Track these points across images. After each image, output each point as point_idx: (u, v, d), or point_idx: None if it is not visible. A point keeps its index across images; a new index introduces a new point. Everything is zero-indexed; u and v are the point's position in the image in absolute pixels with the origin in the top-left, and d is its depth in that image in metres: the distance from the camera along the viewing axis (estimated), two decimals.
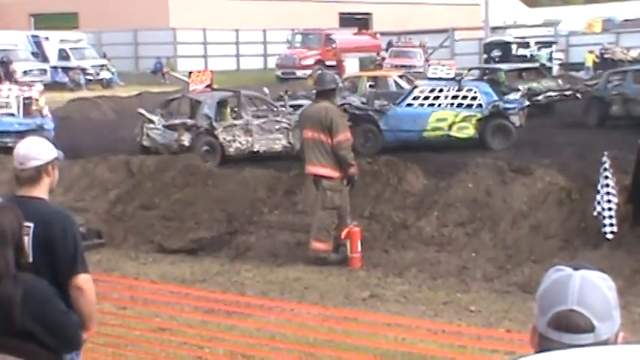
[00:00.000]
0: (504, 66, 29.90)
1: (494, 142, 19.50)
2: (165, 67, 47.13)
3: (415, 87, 21.32)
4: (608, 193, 10.28)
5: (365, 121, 19.97)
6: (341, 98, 20.75)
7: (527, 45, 43.12)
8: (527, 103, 20.46)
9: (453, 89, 20.04)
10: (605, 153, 10.71)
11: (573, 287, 2.13)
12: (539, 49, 43.35)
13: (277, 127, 19.21)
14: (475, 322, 8.24)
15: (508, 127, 19.70)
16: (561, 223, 11.10)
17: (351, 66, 37.18)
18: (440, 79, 20.61)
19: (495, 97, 20.19)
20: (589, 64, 41.41)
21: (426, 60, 43.96)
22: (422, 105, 20.03)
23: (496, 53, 40.98)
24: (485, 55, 42.38)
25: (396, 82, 25.80)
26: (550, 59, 42.31)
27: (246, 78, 42.05)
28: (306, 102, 18.92)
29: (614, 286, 2.19)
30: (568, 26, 50.39)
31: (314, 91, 12.13)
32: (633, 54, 42.15)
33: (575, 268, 2.18)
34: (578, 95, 26.82)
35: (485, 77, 26.92)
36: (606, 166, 10.39)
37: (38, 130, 18.33)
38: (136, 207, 13.40)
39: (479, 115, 19.70)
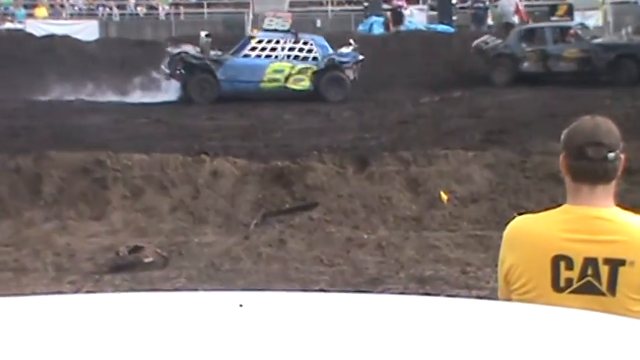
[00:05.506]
0: None
1: (329, 93, 19.84)
2: None
3: (252, 37, 21.28)
4: None
5: (201, 71, 19.76)
6: (176, 47, 20.49)
7: None
8: (361, 57, 20.80)
9: (289, 41, 20.20)
10: None
11: None
12: None
13: None
14: None
15: (343, 79, 20.06)
16: None
17: None
18: (275, 30, 20.66)
19: (331, 51, 20.48)
20: None
21: None
22: (259, 56, 20.04)
23: None
24: None
25: None
26: None
27: None
28: None
29: None
30: None
31: None
32: None
33: None
34: None
35: None
36: None
37: None
38: None
39: (314, 68, 20.00)
